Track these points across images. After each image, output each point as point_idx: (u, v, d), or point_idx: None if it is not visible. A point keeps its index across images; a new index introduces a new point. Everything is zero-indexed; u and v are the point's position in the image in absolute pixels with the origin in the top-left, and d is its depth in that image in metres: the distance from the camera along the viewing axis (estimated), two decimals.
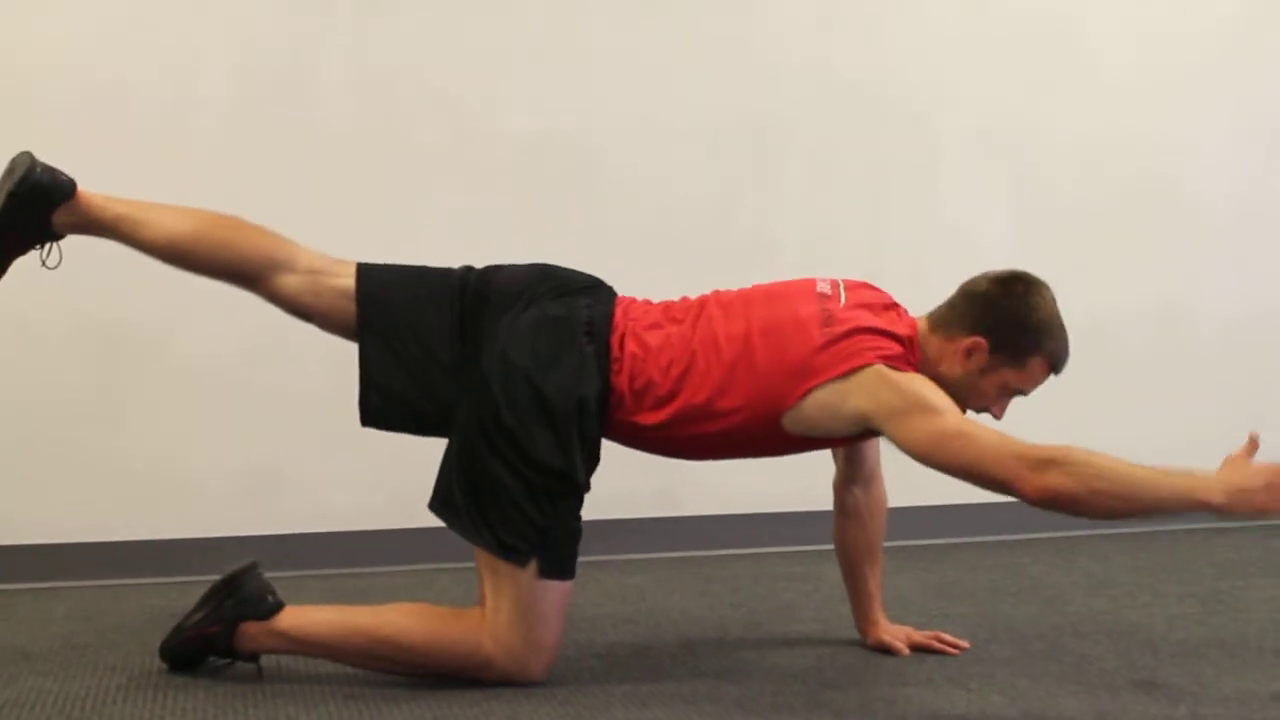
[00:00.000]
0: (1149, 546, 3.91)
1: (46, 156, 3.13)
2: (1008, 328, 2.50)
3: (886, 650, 2.72)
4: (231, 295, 3.47)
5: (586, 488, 2.49)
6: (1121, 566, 3.63)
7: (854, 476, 2.76)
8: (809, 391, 2.41)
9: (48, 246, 2.52)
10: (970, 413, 2.50)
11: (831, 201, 3.96)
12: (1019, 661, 2.66)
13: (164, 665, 2.55)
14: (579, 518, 2.50)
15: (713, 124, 3.84)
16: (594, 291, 2.59)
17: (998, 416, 2.57)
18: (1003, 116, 4.09)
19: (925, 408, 2.35)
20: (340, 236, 3.57)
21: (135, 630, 2.88)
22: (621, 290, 2.65)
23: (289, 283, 2.55)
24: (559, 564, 2.45)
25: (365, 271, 2.57)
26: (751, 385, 2.44)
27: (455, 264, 2.57)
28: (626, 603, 3.18)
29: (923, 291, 2.64)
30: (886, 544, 2.81)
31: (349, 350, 3.13)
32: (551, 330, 2.50)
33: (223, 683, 2.46)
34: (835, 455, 2.78)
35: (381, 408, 2.52)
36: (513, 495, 2.41)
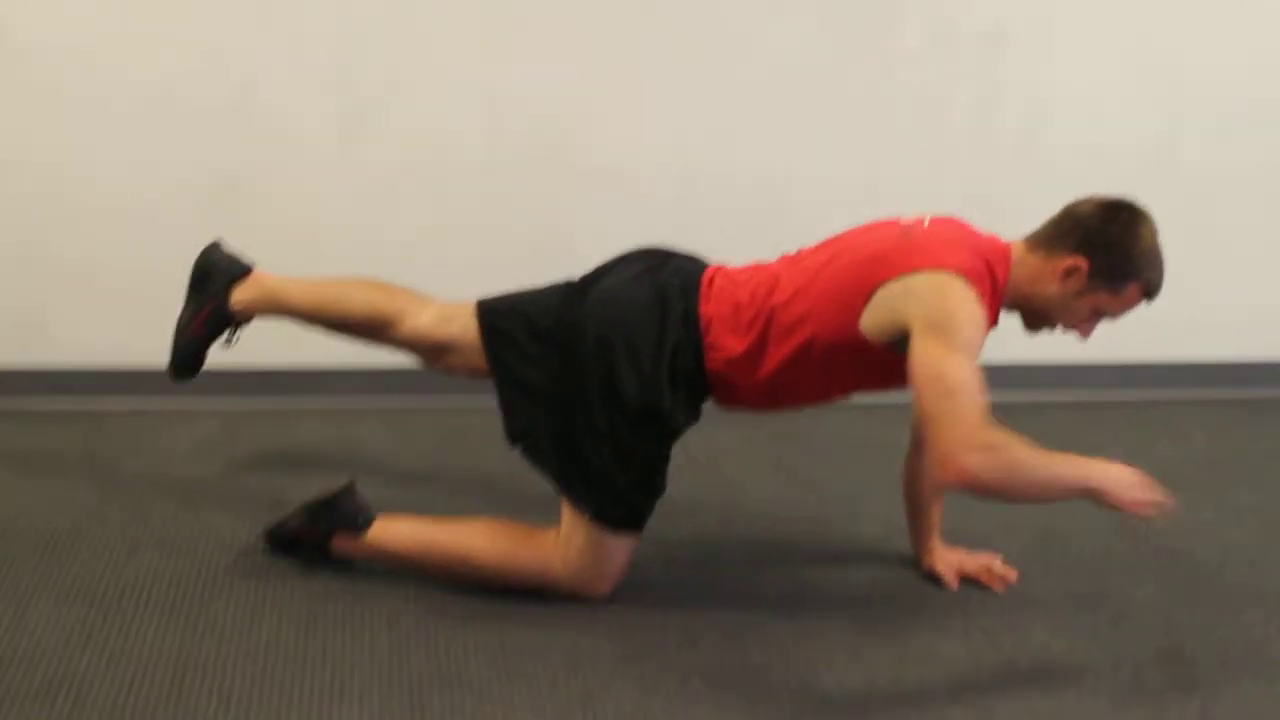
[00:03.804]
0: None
1: None
2: (1110, 253, 2.53)
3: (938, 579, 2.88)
4: None
5: (680, 425, 2.62)
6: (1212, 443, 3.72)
7: None
8: (879, 285, 2.47)
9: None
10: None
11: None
12: (1060, 610, 2.78)
13: (264, 543, 2.82)
14: (662, 475, 2.65)
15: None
16: (688, 255, 2.74)
17: (1084, 336, 2.64)
18: None
19: (949, 339, 2.38)
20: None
21: (249, 476, 3.20)
22: None
23: (424, 318, 2.78)
24: (624, 519, 2.63)
25: (482, 302, 2.75)
26: (831, 287, 2.53)
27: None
28: (704, 474, 3.34)
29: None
30: None
31: None
32: (641, 276, 2.66)
33: (315, 581, 2.71)
34: None
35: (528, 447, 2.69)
36: (591, 444, 2.56)
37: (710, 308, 2.61)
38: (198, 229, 3.15)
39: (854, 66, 3.85)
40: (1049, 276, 2.55)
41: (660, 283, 2.62)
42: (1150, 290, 2.57)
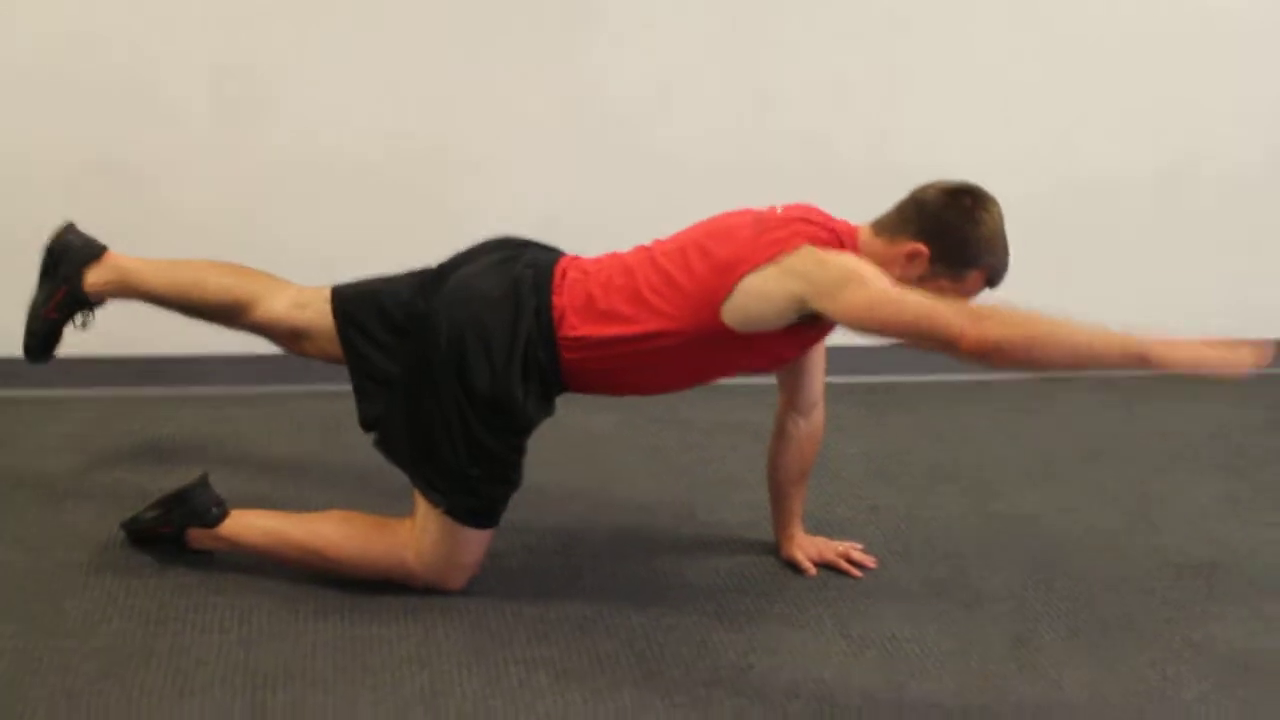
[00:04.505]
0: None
1: None
2: (950, 239, 2.56)
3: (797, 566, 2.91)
4: None
5: (532, 419, 2.63)
6: (1091, 426, 3.75)
7: (797, 406, 2.87)
8: (741, 277, 2.49)
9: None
10: None
11: None
12: (914, 597, 2.82)
13: (124, 535, 2.81)
14: (517, 469, 2.65)
15: None
16: (543, 246, 2.75)
17: None
18: None
19: (856, 279, 2.43)
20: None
21: (119, 467, 3.18)
22: None
23: (279, 303, 2.80)
24: (478, 513, 2.64)
25: (338, 289, 2.77)
26: (689, 286, 2.54)
27: None
28: (578, 460, 3.37)
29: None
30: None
31: None
32: (496, 267, 2.67)
33: (169, 576, 2.71)
34: (780, 385, 2.88)
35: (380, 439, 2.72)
36: (444, 438, 2.57)
37: (563, 299, 2.61)
38: (68, 211, 3.13)
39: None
40: (892, 261, 2.56)
41: (514, 275, 2.62)
42: (993, 277, 2.60)
